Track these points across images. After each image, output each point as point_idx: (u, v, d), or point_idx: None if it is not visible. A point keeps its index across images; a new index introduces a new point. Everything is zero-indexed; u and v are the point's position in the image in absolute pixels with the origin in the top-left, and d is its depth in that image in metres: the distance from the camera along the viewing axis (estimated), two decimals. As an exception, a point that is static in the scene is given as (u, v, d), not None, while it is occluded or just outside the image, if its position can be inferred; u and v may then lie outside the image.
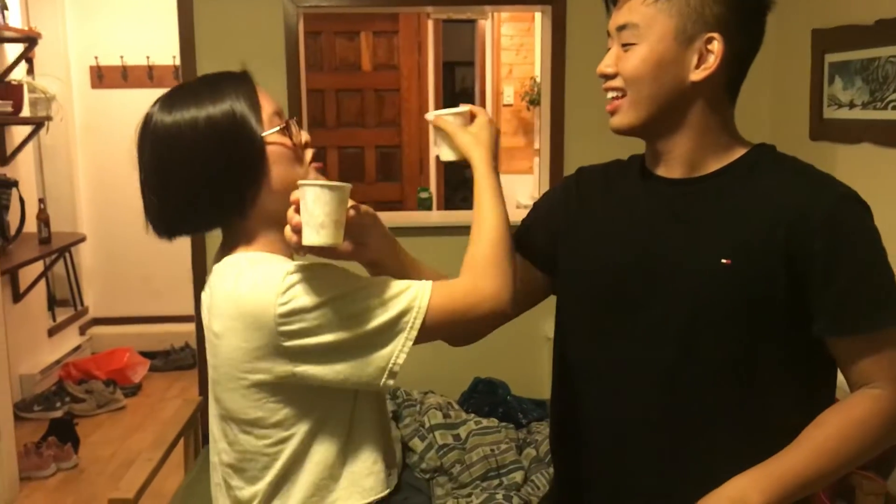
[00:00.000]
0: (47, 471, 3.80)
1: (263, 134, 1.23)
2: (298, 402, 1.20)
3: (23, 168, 4.79)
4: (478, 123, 1.30)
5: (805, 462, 1.13)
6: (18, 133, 4.70)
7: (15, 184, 4.39)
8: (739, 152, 1.23)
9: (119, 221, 5.55)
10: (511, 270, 1.20)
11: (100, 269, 5.66)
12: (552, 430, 1.43)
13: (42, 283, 4.90)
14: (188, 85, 1.28)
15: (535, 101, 5.79)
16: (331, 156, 5.89)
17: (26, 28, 4.67)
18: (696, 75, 1.17)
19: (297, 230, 1.14)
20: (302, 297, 1.12)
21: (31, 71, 4.94)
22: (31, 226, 4.60)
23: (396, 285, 1.16)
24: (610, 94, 1.24)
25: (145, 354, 5.20)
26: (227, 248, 1.29)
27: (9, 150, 4.60)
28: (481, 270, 1.18)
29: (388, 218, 1.49)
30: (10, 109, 4.34)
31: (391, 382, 1.15)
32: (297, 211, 1.14)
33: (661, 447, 1.22)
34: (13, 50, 4.65)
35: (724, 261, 1.17)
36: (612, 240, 1.29)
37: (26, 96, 4.66)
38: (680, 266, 1.20)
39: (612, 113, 1.24)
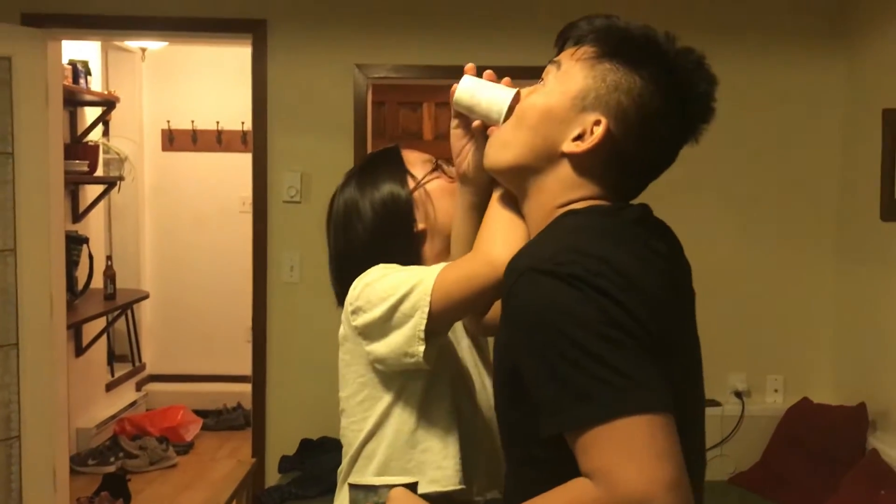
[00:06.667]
0: (98, 526, 3.80)
1: (418, 182, 1.47)
2: (374, 386, 1.39)
3: (93, 226, 4.94)
4: None
5: None
6: (91, 192, 4.86)
7: (85, 240, 4.52)
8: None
9: (181, 280, 5.67)
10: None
11: (159, 326, 5.76)
12: None
13: (104, 338, 5.00)
14: (354, 171, 1.53)
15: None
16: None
17: (105, 92, 4.88)
18: (568, 147, 1.08)
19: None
20: (358, 284, 1.37)
21: (106, 133, 5.14)
22: (97, 282, 4.72)
23: (416, 270, 1.35)
24: None
25: (198, 413, 5.23)
26: None
27: (81, 208, 4.76)
28: (489, 241, 1.26)
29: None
30: (85, 169, 4.50)
31: (421, 349, 1.28)
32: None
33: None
34: (92, 112, 4.85)
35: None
36: None
37: (101, 157, 4.84)
38: None
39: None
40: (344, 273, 1.46)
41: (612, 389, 0.91)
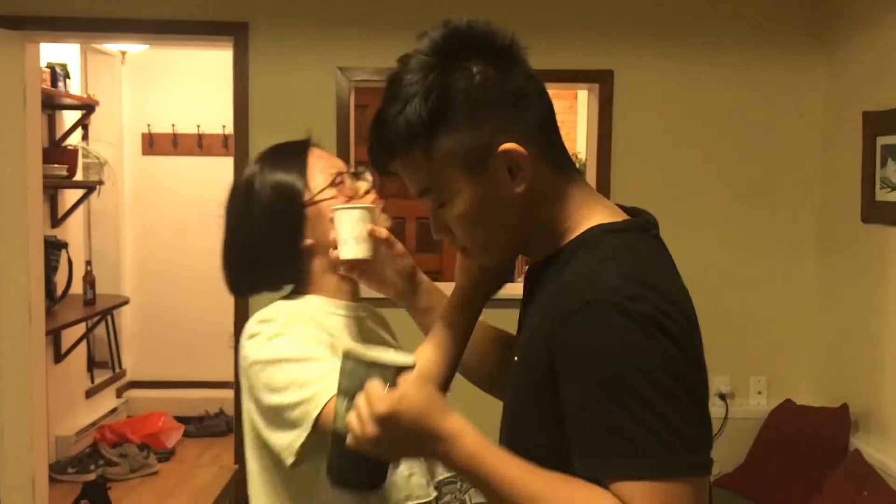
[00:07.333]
0: (78, 535, 3.75)
1: (313, 196, 1.36)
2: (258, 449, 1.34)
3: (72, 230, 4.88)
4: None
5: (510, 477, 0.95)
6: (71, 196, 4.81)
7: (64, 245, 4.47)
8: (573, 234, 1.07)
9: (161, 286, 5.62)
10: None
11: (139, 332, 5.70)
12: None
13: (83, 344, 4.94)
14: (262, 155, 1.43)
15: (576, 178, 5.80)
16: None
17: (85, 96, 4.83)
18: (517, 185, 1.03)
19: (335, 247, 1.32)
20: (250, 348, 1.29)
21: (85, 136, 5.09)
22: (76, 287, 4.67)
23: (320, 370, 1.21)
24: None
25: (179, 419, 5.18)
26: (293, 292, 1.43)
27: (60, 213, 4.70)
28: None
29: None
30: (64, 173, 4.46)
31: (291, 460, 1.22)
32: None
33: None
34: (71, 116, 4.80)
35: (515, 358, 1.09)
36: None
37: (80, 161, 4.79)
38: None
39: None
40: (233, 256, 1.41)
41: (665, 449, 0.91)
